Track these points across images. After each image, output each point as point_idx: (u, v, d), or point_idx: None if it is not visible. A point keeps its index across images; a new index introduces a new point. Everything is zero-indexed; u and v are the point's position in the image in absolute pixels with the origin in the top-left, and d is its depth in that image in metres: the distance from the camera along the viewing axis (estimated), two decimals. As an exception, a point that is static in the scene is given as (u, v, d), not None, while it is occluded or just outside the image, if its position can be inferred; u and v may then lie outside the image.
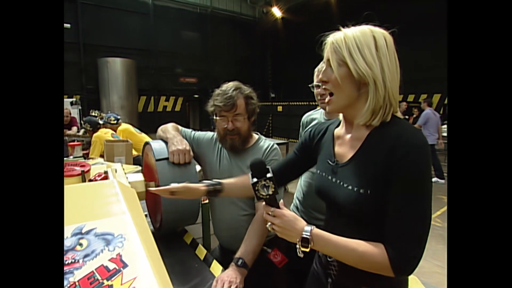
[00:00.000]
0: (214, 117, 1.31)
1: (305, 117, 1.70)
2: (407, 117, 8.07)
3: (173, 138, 1.33)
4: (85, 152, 3.37)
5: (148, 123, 7.89)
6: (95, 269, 0.68)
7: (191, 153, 1.31)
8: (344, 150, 0.83)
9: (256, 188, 0.73)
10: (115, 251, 0.74)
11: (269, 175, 0.73)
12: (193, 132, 1.48)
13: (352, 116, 0.80)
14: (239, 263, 1.05)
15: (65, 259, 0.70)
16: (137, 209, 0.98)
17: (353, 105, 0.78)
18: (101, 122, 3.84)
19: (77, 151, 2.51)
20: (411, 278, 1.43)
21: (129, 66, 10.20)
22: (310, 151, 0.97)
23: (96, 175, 1.17)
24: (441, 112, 7.95)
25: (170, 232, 1.42)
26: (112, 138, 3.36)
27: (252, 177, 0.74)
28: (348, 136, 0.83)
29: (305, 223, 0.75)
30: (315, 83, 1.45)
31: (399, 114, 0.78)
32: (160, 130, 1.44)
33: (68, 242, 0.74)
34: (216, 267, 1.13)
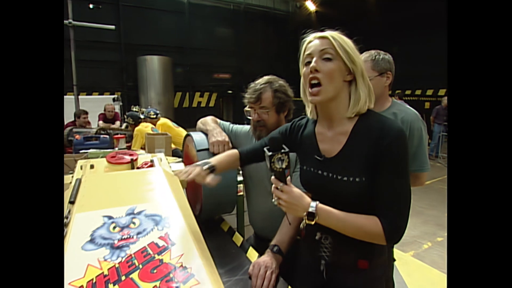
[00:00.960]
0: (246, 108, 1.36)
1: None
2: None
3: (212, 130, 1.40)
4: (127, 144, 3.60)
5: (184, 119, 8.16)
6: (147, 245, 0.76)
7: (230, 144, 1.37)
8: (330, 146, 0.89)
9: (272, 160, 0.78)
10: (164, 230, 0.81)
11: (284, 150, 0.78)
12: (231, 125, 1.54)
13: (333, 109, 0.88)
14: (275, 249, 1.09)
15: (121, 234, 0.78)
16: (181, 195, 1.06)
17: (336, 98, 0.86)
18: (142, 116, 4.08)
19: (121, 143, 2.69)
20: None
21: (166, 64, 10.59)
22: (287, 141, 1.01)
23: (143, 163, 1.26)
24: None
25: (209, 219, 1.50)
26: (152, 132, 3.55)
27: (269, 150, 0.79)
28: (330, 132, 0.90)
29: (310, 199, 0.81)
30: None
31: (371, 106, 0.88)
32: (200, 123, 1.52)
33: (123, 220, 0.83)
34: (252, 253, 1.18)
